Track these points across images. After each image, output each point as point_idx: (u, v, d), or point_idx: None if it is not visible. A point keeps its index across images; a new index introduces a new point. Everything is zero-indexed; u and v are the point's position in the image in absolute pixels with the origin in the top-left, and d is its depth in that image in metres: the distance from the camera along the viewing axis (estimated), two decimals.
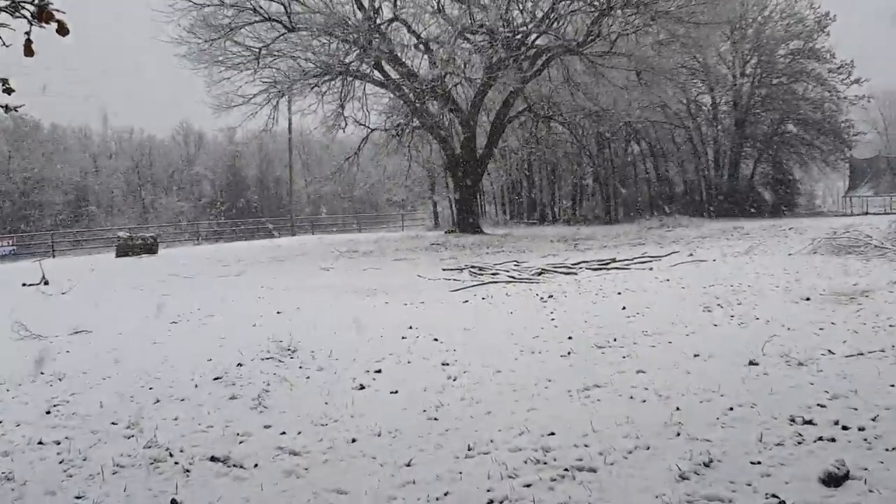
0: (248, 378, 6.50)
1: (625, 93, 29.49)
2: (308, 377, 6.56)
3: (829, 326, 7.24)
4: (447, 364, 6.74)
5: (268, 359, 7.25)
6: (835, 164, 38.76)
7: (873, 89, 38.21)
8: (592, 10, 25.88)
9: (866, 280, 10.21)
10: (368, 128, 29.39)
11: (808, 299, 9.06)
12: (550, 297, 10.58)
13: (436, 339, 7.88)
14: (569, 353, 6.88)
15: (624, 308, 9.17)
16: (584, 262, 15.62)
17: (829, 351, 6.22)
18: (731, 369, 5.89)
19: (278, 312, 10.45)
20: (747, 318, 8.03)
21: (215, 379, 6.52)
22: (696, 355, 6.41)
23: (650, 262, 15.29)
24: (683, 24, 26.41)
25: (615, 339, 7.28)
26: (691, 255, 16.32)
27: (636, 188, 40.76)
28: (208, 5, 23.51)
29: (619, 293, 10.56)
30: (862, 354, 6.07)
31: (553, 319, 8.76)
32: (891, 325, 7.09)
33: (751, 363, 6.00)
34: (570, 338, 7.53)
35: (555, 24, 26.18)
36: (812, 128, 36.97)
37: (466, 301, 10.87)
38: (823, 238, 14.59)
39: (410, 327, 8.64)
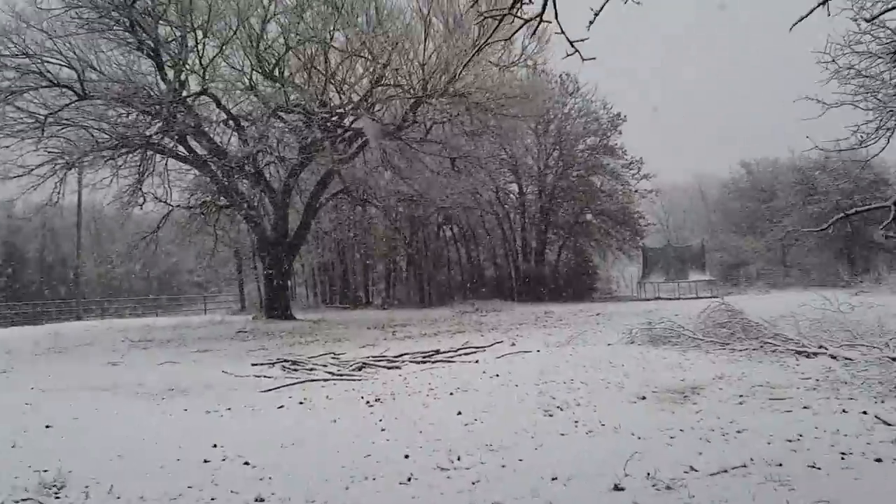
0: None
1: (439, 178, 29.77)
2: None
3: (679, 434, 6.80)
4: (261, 501, 5.49)
5: (24, 501, 5.59)
6: (629, 252, 41.44)
7: (659, 184, 41.63)
8: (409, 96, 25.97)
9: (692, 375, 10.13)
10: (170, 205, 27.21)
11: (644, 398, 8.74)
12: (378, 400, 9.53)
13: (247, 463, 6.56)
14: (409, 479, 5.86)
15: (460, 413, 8.33)
16: (406, 353, 14.76)
17: (692, 468, 5.70)
18: (597, 498, 5.17)
19: (48, 426, 8.52)
20: (592, 423, 7.46)
21: None
22: (553, 478, 5.64)
23: (475, 352, 14.73)
24: (494, 115, 27.23)
25: (459, 458, 6.37)
26: (514, 344, 16.00)
27: (449, 272, 41.11)
28: None
29: (452, 393, 9.74)
30: (726, 471, 5.58)
31: (384, 430, 7.72)
32: (738, 432, 6.76)
33: (616, 488, 5.31)
34: (406, 456, 6.53)
35: (372, 108, 25.92)
36: (609, 218, 39.41)
37: (282, 406, 9.54)
38: (639, 328, 14.75)
39: (215, 445, 7.23)
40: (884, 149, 13.99)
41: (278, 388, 11.13)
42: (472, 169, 30.70)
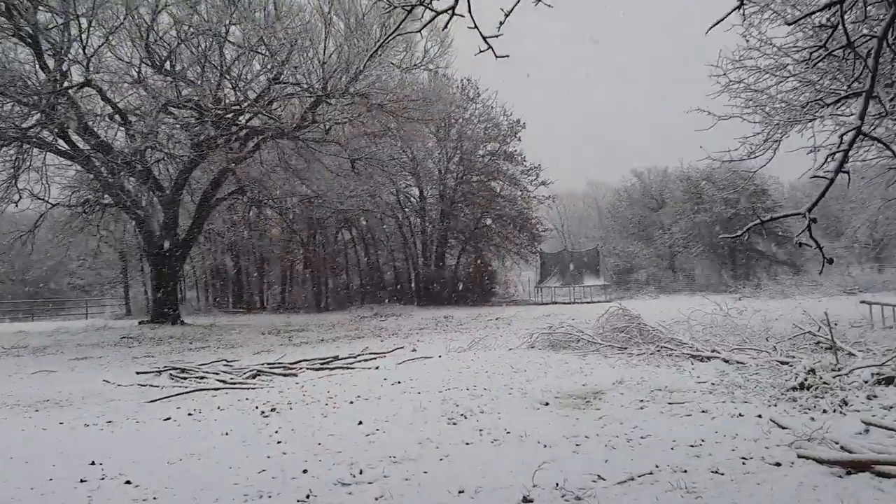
0: None
1: (338, 180, 29.26)
2: None
3: (584, 442, 6.71)
4: None
5: None
6: (527, 257, 42.04)
7: (555, 190, 42.48)
8: (308, 95, 25.36)
9: (593, 380, 10.18)
10: (48, 203, 25.52)
11: (547, 404, 8.67)
12: (273, 410, 9.06)
13: (129, 482, 6.01)
14: (307, 496, 5.48)
15: (361, 423, 8.00)
16: (303, 360, 14.28)
17: (600, 476, 5.59)
18: None
19: None
20: (497, 431, 7.29)
21: None
22: (461, 491, 5.41)
23: (375, 359, 14.43)
24: (396, 118, 27.01)
25: (361, 472, 6.05)
26: (415, 350, 15.81)
27: (347, 275, 40.54)
28: None
29: (352, 402, 9.39)
30: (633, 479, 5.50)
31: (281, 443, 7.30)
32: (642, 438, 6.74)
33: (525, 500, 5.13)
34: (305, 471, 6.15)
35: (269, 106, 25.15)
36: (508, 223, 39.85)
37: (168, 418, 8.92)
38: (540, 332, 14.81)
39: (93, 463, 6.62)
40: (770, 160, 14.63)
41: (165, 398, 10.49)
42: (372, 171, 30.38)
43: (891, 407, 7.01)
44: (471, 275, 40.07)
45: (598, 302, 36.34)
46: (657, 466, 5.77)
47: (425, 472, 5.98)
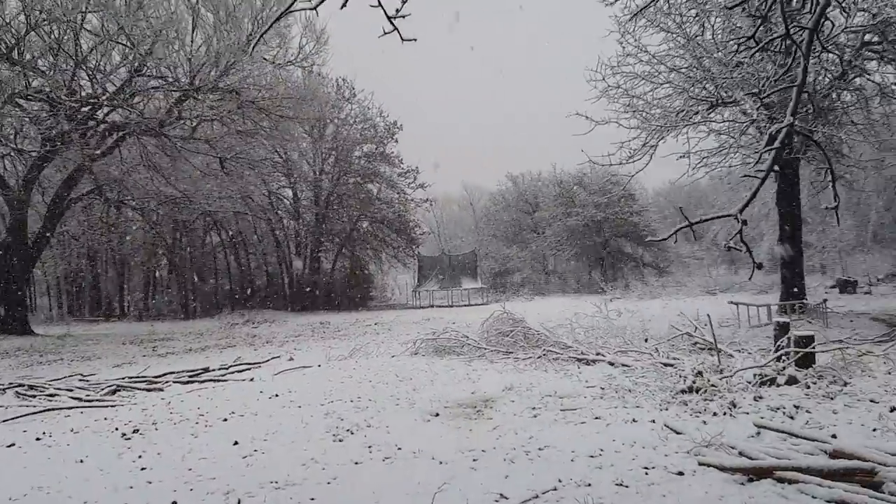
0: None
1: (206, 180, 27.86)
2: None
3: (482, 456, 6.35)
4: None
5: None
6: (405, 261, 41.74)
7: (432, 194, 42.39)
8: (174, 89, 23.91)
9: (481, 387, 9.88)
10: None
11: (437, 415, 8.28)
12: (136, 431, 8.17)
13: None
14: None
15: (237, 443, 7.30)
16: (169, 372, 13.23)
17: (502, 495, 5.24)
18: None
19: None
20: (387, 448, 6.81)
21: None
22: None
23: (249, 369, 13.58)
24: (269, 116, 25.99)
25: (239, 501, 5.42)
26: (292, 359, 15.05)
27: (216, 280, 38.77)
28: None
29: (226, 419, 8.62)
30: (538, 497, 5.19)
31: (145, 470, 6.51)
32: (540, 450, 6.46)
33: None
34: (174, 502, 5.46)
35: (131, 100, 23.50)
36: (385, 226, 39.40)
37: (12, 444, 7.85)
38: (423, 338, 14.43)
39: None
40: (647, 164, 14.94)
41: (10, 419, 9.31)
42: (243, 171, 29.14)
43: (777, 408, 7.08)
44: (347, 279, 39.32)
45: (476, 305, 36.54)
46: (560, 481, 5.49)
47: (312, 500, 5.42)
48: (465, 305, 36.96)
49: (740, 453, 5.63)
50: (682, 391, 7.92)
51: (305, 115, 29.19)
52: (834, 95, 16.90)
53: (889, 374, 8.42)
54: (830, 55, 15.23)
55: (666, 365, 9.93)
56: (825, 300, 16.80)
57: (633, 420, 7.29)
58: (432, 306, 37.55)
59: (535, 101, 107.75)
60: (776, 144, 4.39)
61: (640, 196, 45.30)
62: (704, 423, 6.94)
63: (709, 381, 7.88)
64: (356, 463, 6.38)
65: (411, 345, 14.37)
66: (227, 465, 6.52)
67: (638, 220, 42.53)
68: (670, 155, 16.43)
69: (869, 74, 16.91)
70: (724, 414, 7.09)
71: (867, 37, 15.89)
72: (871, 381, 8.06)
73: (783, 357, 8.60)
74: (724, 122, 14.71)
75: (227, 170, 27.75)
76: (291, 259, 38.57)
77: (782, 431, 6.18)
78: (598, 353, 11.41)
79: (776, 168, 18.92)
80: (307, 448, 6.99)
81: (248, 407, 9.34)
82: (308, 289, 36.97)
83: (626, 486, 5.29)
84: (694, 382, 7.94)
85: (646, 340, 13.44)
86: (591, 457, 6.09)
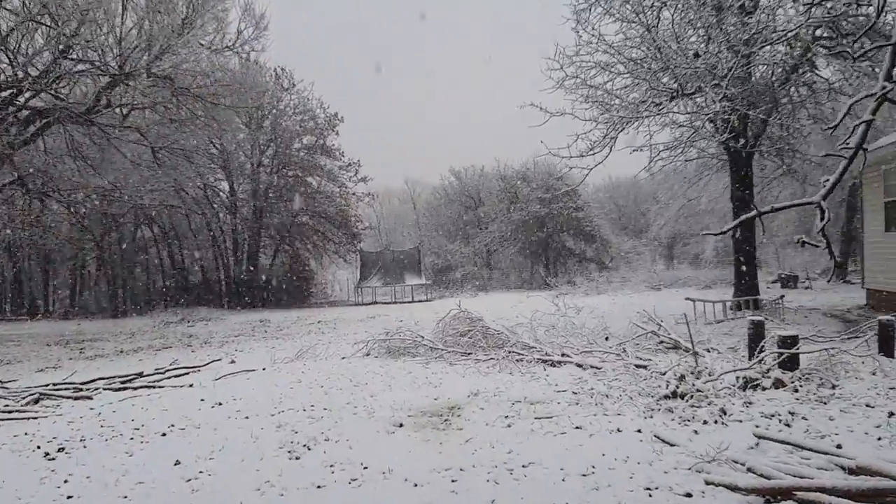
0: None
1: (138, 171, 26.43)
2: None
3: (460, 476, 5.68)
4: None
5: None
6: (346, 256, 40.77)
7: (373, 188, 41.39)
8: (102, 73, 22.45)
9: (444, 392, 9.20)
10: None
11: (401, 425, 7.57)
12: (61, 449, 7.22)
13: None
14: None
15: (178, 463, 6.46)
16: (99, 378, 12.17)
17: None
18: None
19: None
20: (352, 467, 6.08)
21: None
22: None
23: (188, 373, 12.61)
24: (204, 104, 24.72)
25: None
26: (234, 361, 14.12)
27: (149, 277, 37.11)
28: None
29: (164, 433, 7.73)
30: None
31: (71, 499, 5.64)
32: (524, 467, 5.83)
33: None
34: None
35: (56, 85, 21.95)
36: (326, 221, 38.36)
37: None
38: (375, 338, 13.66)
39: None
40: (607, 156, 14.49)
41: None
42: (176, 162, 27.74)
43: (772, 415, 6.61)
44: (287, 275, 38.13)
45: (420, 301, 35.87)
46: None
47: None
48: (408, 302, 36.24)
49: (749, 469, 5.10)
50: (666, 397, 7.40)
51: (243, 104, 27.96)
52: (788, 90, 16.81)
53: (874, 374, 8.09)
54: (781, 47, 15.11)
55: (638, 367, 9.44)
56: (782, 296, 16.70)
57: (618, 430, 6.72)
58: (375, 303, 36.71)
59: (481, 95, 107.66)
60: (868, 116, 3.83)
61: (582, 191, 45.31)
62: (696, 432, 6.42)
63: (693, 385, 7.38)
64: (318, 487, 5.63)
65: (362, 345, 13.60)
66: (168, 492, 5.70)
67: (581, 215, 42.50)
68: (624, 149, 16.11)
69: (818, 70, 16.90)
70: (716, 422, 6.58)
71: (818, 31, 15.83)
72: (860, 382, 7.70)
73: (764, 359, 8.17)
74: (687, 113, 14.37)
75: (159, 161, 26.35)
76: (228, 254, 37.18)
77: (787, 443, 5.69)
78: (563, 354, 10.86)
79: (725, 159, 18.88)
80: (260, 468, 6.20)
81: (190, 418, 8.45)
82: (246, 286, 35.68)
83: None
84: (677, 387, 7.44)
85: (606, 339, 13.00)
86: (584, 475, 5.48)
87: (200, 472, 6.19)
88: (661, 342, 11.60)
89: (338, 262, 42.68)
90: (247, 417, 8.32)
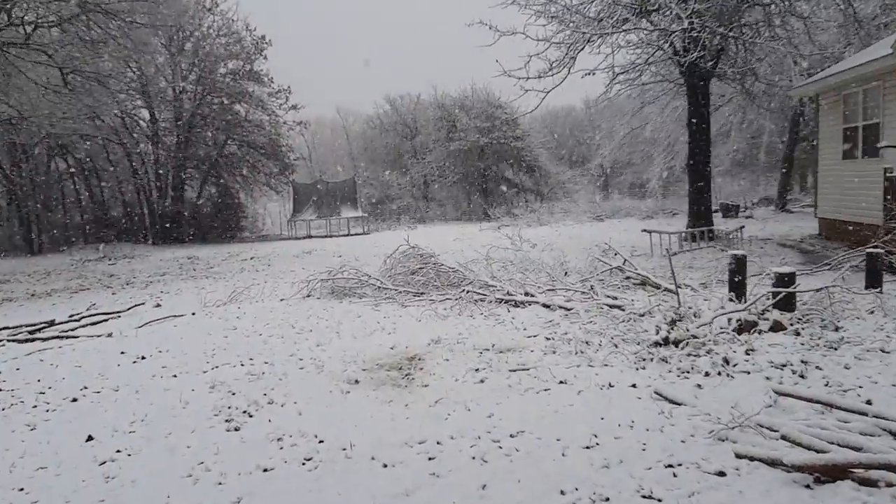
0: None
1: (47, 96, 24.10)
2: None
3: (437, 452, 4.71)
4: None
5: None
6: (278, 188, 39.01)
7: (306, 116, 39.37)
8: None
9: (401, 340, 8.21)
10: None
11: (356, 382, 6.58)
12: None
13: None
14: None
15: (91, 439, 5.34)
16: (4, 327, 10.76)
17: None
18: None
19: None
20: (304, 442, 5.06)
21: None
22: None
23: (107, 320, 11.30)
24: (117, 21, 22.47)
25: None
26: (159, 305, 12.83)
27: (65, 212, 34.70)
28: None
29: (75, 399, 6.54)
30: None
31: None
32: (512, 437, 4.91)
33: None
34: None
35: None
36: (255, 151, 36.44)
37: None
38: (316, 277, 12.51)
39: None
40: (565, 78, 13.45)
41: None
42: (90, 87, 25.44)
43: (783, 365, 5.83)
44: (215, 209, 36.22)
45: (357, 234, 34.68)
46: (563, 493, 3.97)
47: None
48: (344, 235, 34.97)
49: (784, 437, 4.29)
50: (657, 344, 6.58)
51: (161, 22, 25.68)
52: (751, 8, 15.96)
53: (872, 313, 7.45)
54: None
55: (612, 307, 8.62)
56: (742, 227, 16.16)
57: (609, 385, 5.86)
58: (309, 237, 35.31)
59: (417, 17, 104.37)
60: None
61: (521, 121, 44.23)
62: (699, 386, 5.62)
63: (688, 331, 6.58)
64: (265, 470, 4.60)
65: (303, 285, 12.46)
66: (76, 480, 4.61)
67: (521, 145, 41.53)
68: (577, 72, 15.08)
69: None
70: (719, 374, 5.79)
71: None
72: (863, 323, 7.04)
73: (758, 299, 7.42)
74: (656, 29, 13.35)
75: (70, 85, 24.06)
76: (151, 187, 34.99)
77: (813, 400, 4.91)
78: (526, 293, 9.98)
79: (681, 83, 18.10)
80: (191, 444, 5.14)
81: (107, 377, 7.26)
82: (171, 220, 33.71)
83: (659, 501, 3.84)
84: (669, 333, 6.62)
85: (566, 274, 12.21)
86: (587, 448, 4.60)
87: (118, 451, 5.09)
88: (628, 277, 10.83)
89: (269, 195, 40.86)
90: (175, 376, 7.19)
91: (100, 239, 31.90)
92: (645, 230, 16.86)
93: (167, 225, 33.55)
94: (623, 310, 8.34)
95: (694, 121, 17.06)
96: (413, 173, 44.51)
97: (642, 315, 7.91)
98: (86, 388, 6.87)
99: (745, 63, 16.47)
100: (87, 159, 33.60)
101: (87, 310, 12.32)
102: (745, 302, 8.10)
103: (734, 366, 5.89)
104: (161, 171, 35.04)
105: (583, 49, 13.07)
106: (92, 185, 34.75)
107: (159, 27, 26.15)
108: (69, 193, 35.11)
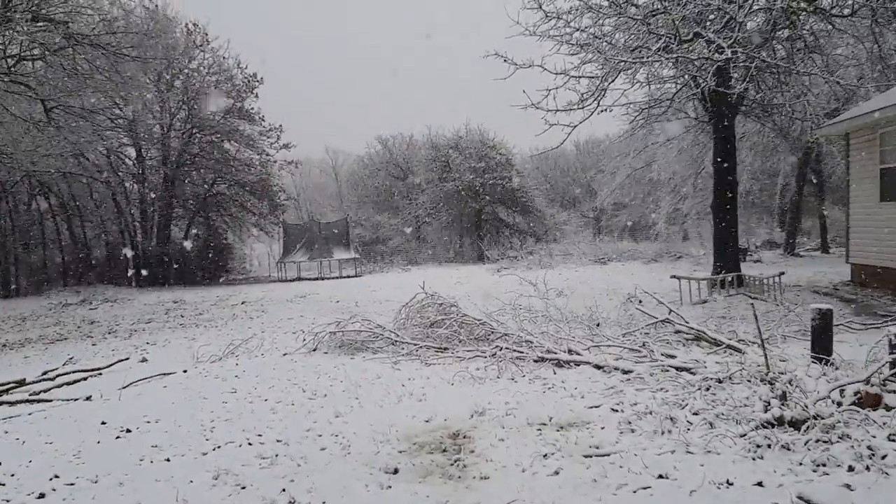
0: None
1: (30, 133, 22.90)
2: None
3: None
4: None
5: None
6: (268, 229, 37.82)
7: (295, 155, 38.38)
8: None
9: (436, 410, 6.91)
10: None
11: (396, 471, 5.29)
12: None
13: None
14: None
15: None
16: None
17: None
18: None
19: None
20: None
21: None
22: None
23: (86, 378, 9.95)
24: (106, 55, 21.41)
25: None
26: (145, 360, 11.47)
27: (45, 253, 33.19)
28: None
29: (42, 495, 5.20)
30: None
31: None
32: None
33: None
34: None
35: None
36: (245, 190, 35.32)
37: None
38: (323, 329, 11.20)
39: None
40: (594, 112, 12.42)
41: None
42: (75, 123, 24.28)
43: None
44: (202, 249, 34.88)
45: (349, 277, 33.44)
46: None
47: None
48: (335, 278, 33.69)
49: None
50: (769, 424, 5.35)
51: (152, 56, 24.68)
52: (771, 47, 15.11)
53: None
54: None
55: (678, 369, 7.41)
56: (782, 273, 15.02)
57: (728, 483, 4.60)
58: (300, 279, 34.02)
59: (413, 63, 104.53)
60: None
61: (515, 162, 43.44)
62: (849, 487, 4.38)
63: (806, 407, 5.37)
64: None
65: (308, 337, 11.18)
66: None
67: (516, 185, 40.65)
68: (599, 108, 14.10)
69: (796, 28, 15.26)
70: (867, 469, 4.57)
71: None
72: None
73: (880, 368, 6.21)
74: (697, 58, 12.38)
75: (54, 121, 22.87)
76: (136, 228, 33.64)
77: None
78: (570, 351, 8.74)
79: (706, 121, 17.21)
80: None
81: (83, 461, 5.92)
82: (156, 261, 32.29)
83: None
84: (782, 409, 5.41)
85: (597, 325, 11.02)
86: None
87: None
88: (678, 332, 9.63)
89: (258, 236, 39.64)
90: (167, 459, 5.85)
91: (81, 281, 30.44)
92: (675, 276, 15.66)
93: (152, 266, 32.16)
94: (693, 373, 7.14)
95: (719, 159, 16.09)
96: (405, 214, 43.46)
97: (721, 381, 6.71)
98: (57, 477, 5.52)
99: (773, 97, 15.59)
100: (70, 198, 32.26)
101: (64, 365, 10.96)
102: (831, 363, 6.97)
103: (883, 458, 4.67)
104: (147, 211, 33.78)
105: (614, 80, 12.07)
106: (73, 225, 33.37)
107: (148, 60, 25.10)
108: (49, 233, 33.65)
